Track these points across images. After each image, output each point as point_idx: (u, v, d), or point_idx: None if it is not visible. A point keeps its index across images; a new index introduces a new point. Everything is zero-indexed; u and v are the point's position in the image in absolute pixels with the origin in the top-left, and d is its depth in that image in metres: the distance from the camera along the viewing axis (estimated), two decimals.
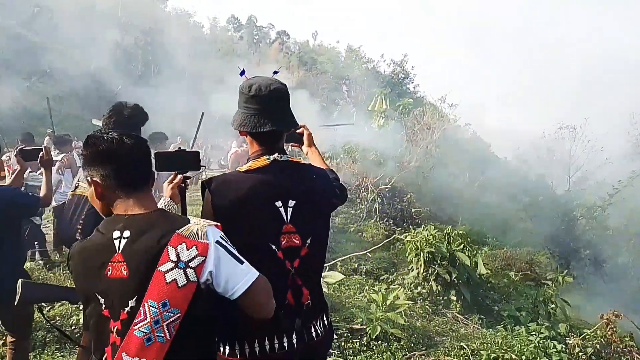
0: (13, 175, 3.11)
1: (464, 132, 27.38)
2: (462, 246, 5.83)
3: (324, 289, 4.79)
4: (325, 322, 1.73)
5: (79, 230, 2.43)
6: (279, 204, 1.62)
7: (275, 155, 1.66)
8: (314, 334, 1.64)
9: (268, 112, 1.64)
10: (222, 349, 1.59)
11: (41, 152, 2.93)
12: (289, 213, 1.62)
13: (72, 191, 2.61)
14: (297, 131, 2.14)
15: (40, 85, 21.33)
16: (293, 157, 1.72)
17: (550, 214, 10.72)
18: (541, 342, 4.27)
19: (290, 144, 2.22)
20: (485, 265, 7.17)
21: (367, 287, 5.74)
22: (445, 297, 5.52)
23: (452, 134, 15.40)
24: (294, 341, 1.58)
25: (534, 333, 4.83)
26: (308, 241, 1.63)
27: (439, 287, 5.52)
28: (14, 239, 2.73)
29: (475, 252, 6.02)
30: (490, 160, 26.42)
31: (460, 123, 21.12)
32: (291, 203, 1.64)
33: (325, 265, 6.05)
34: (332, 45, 44.37)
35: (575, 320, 5.42)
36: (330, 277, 5.13)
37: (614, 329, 4.28)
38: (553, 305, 5.17)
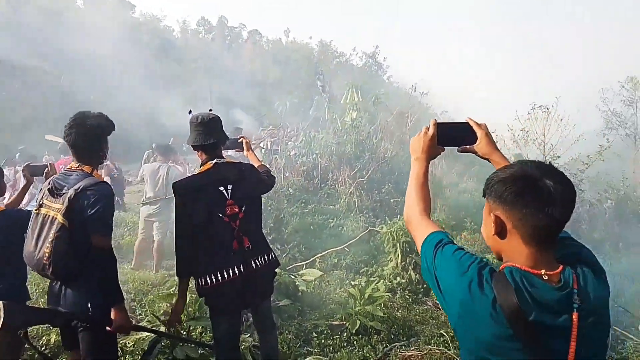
0: (17, 191, 3.24)
1: (441, 119, 27.62)
2: None
3: (302, 287, 4.81)
4: (266, 258, 2.83)
5: (47, 255, 2.18)
6: (222, 188, 2.69)
7: (216, 160, 2.75)
8: (253, 266, 2.71)
9: (209, 132, 2.73)
10: (199, 281, 2.66)
11: (47, 168, 3.06)
12: (229, 193, 2.70)
13: (35, 209, 2.34)
14: (238, 140, 3.29)
15: (11, 102, 20.84)
16: (228, 159, 2.84)
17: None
18: None
19: (235, 149, 3.36)
20: (465, 248, 7.24)
21: (347, 282, 5.77)
22: (425, 285, 5.58)
23: (425, 117, 15.49)
24: (241, 270, 2.65)
25: None
26: (243, 209, 2.72)
27: (417, 276, 5.57)
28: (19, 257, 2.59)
29: (454, 239, 6.09)
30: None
31: (437, 111, 21.30)
32: (229, 187, 2.70)
33: (303, 263, 6.06)
34: (305, 42, 44.26)
35: None
36: (309, 274, 5.14)
37: None
38: None
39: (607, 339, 1.21)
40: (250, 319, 3.76)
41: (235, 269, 2.64)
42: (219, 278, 2.61)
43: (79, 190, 2.24)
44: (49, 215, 2.25)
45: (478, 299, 1.15)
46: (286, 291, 4.78)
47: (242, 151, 3.31)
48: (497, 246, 1.26)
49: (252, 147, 3.43)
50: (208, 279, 2.61)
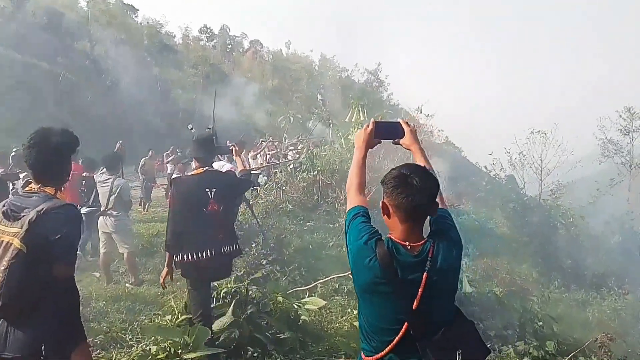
0: None
1: (437, 138, 27.66)
2: None
3: (305, 317, 4.57)
4: (231, 247, 3.60)
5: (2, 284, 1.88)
6: (207, 190, 3.47)
7: (207, 167, 3.60)
8: (222, 250, 3.50)
9: (200, 148, 3.63)
10: (179, 257, 3.44)
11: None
12: (212, 194, 3.47)
13: None
14: (229, 147, 4.47)
15: (7, 99, 20.48)
16: (214, 169, 3.79)
17: (527, 221, 10.75)
18: None
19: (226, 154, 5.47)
20: (467, 277, 7.04)
21: (349, 310, 5.52)
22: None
23: (426, 141, 15.39)
24: (212, 252, 3.43)
25: (522, 353, 4.71)
26: (221, 207, 3.51)
27: None
28: None
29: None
30: (464, 167, 26.71)
31: (433, 129, 21.29)
32: (213, 190, 3.48)
33: (305, 288, 5.81)
34: (305, 54, 44.36)
35: (561, 336, 5.31)
36: (312, 303, 4.87)
37: (609, 354, 4.17)
38: (540, 323, 5.05)
39: (452, 292, 1.76)
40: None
41: (208, 252, 3.44)
42: (194, 256, 3.43)
43: (42, 211, 1.95)
44: (3, 241, 1.95)
45: (363, 255, 1.69)
46: (287, 320, 4.52)
47: (237, 155, 4.21)
48: (387, 223, 1.74)
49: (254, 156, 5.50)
50: (186, 256, 3.44)
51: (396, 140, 2.11)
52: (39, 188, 2.09)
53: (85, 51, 30.48)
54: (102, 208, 5.87)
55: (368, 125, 2.08)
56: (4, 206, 2.06)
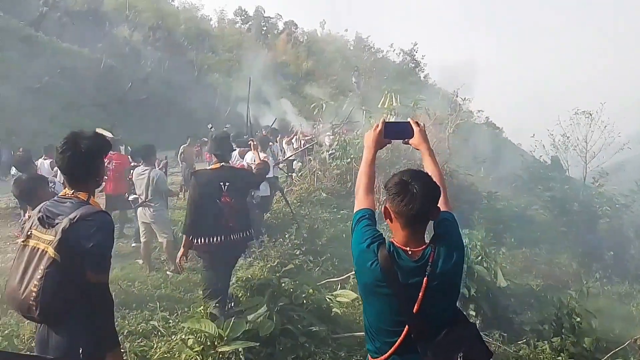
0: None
1: (477, 119, 26.83)
2: (480, 257, 5.60)
3: (336, 310, 4.64)
4: (243, 234, 4.09)
5: (34, 294, 1.93)
6: (221, 183, 4.00)
7: (223, 163, 4.18)
8: (232, 237, 4.00)
9: (218, 146, 4.23)
10: (194, 240, 4.03)
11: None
12: (226, 188, 4.00)
13: (22, 241, 2.10)
14: (248, 141, 5.91)
15: (51, 85, 21.30)
16: (232, 164, 5.15)
17: (570, 208, 10.37)
18: None
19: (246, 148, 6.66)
20: (503, 267, 6.91)
21: None
22: (465, 313, 5.30)
23: (464, 123, 14.97)
24: (222, 238, 3.96)
25: (559, 349, 4.62)
26: (233, 199, 4.02)
27: (458, 303, 5.30)
28: None
29: (493, 262, 5.77)
30: (505, 149, 25.88)
31: (472, 109, 20.64)
32: (227, 183, 4.01)
33: (337, 279, 5.85)
34: (340, 34, 43.74)
35: (600, 331, 5.15)
36: (344, 295, 4.92)
37: None
38: (578, 319, 4.91)
39: (453, 295, 1.84)
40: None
41: (218, 237, 3.97)
42: (207, 240, 3.98)
43: (74, 219, 1.98)
44: (38, 248, 1.99)
45: (365, 258, 1.76)
46: (319, 313, 4.59)
47: (255, 151, 5.09)
48: (390, 226, 1.80)
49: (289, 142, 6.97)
50: (201, 239, 4.00)
51: (406, 140, 2.15)
52: (73, 194, 2.12)
53: (124, 37, 31.15)
54: (141, 200, 6.09)
55: (378, 125, 2.13)
56: (40, 212, 2.10)
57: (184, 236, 4.14)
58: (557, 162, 19.28)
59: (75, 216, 1.99)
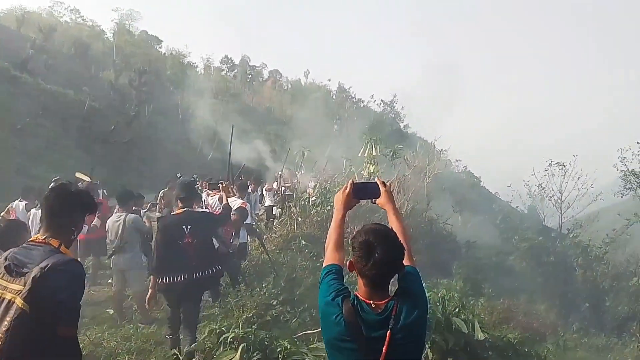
0: None
1: (455, 167, 27.43)
2: (457, 309, 5.58)
3: None
4: (206, 272, 4.30)
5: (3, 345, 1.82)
6: (184, 226, 4.26)
7: (186, 208, 4.40)
8: (194, 276, 4.20)
9: (182, 191, 4.53)
10: (158, 279, 4.26)
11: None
12: (188, 230, 4.25)
13: None
14: (218, 184, 6.46)
15: (33, 126, 21.21)
16: (194, 209, 4.64)
17: (546, 259, 10.52)
18: None
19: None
20: (482, 319, 6.87)
21: None
22: None
23: (442, 172, 15.30)
24: (185, 277, 4.16)
25: None
26: (195, 240, 4.25)
27: (435, 356, 5.23)
28: None
29: (471, 314, 5.75)
30: (482, 198, 26.36)
31: (450, 158, 21.10)
32: (189, 226, 4.26)
33: (315, 332, 5.73)
34: (323, 83, 45.01)
35: None
36: (321, 349, 4.82)
37: None
38: None
39: (418, 348, 1.81)
40: None
41: (182, 276, 4.20)
42: (172, 279, 4.20)
43: (45, 268, 1.87)
44: (4, 299, 1.87)
45: (330, 312, 1.77)
46: None
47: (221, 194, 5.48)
48: (358, 279, 1.82)
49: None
50: (166, 278, 4.22)
51: (373, 200, 2.23)
52: (44, 239, 2.04)
53: (110, 80, 31.49)
54: (115, 245, 5.96)
55: (346, 187, 2.20)
56: (6, 259, 1.99)
57: (152, 277, 4.42)
58: (534, 211, 19.68)
59: (47, 265, 1.89)
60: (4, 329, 1.82)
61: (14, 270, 1.93)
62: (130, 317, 6.22)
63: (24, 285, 1.85)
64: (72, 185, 2.16)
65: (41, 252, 1.98)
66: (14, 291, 1.87)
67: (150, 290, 4.37)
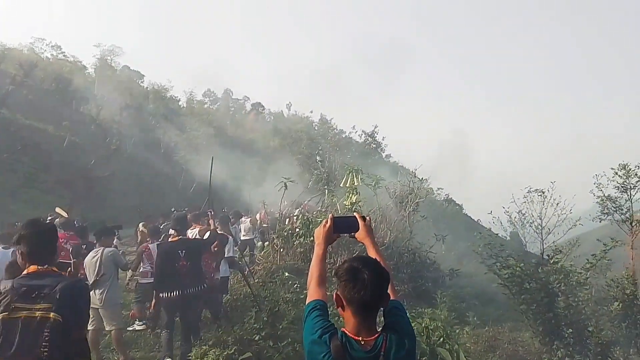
0: None
1: (437, 196, 27.70)
2: (441, 339, 5.55)
3: None
4: (198, 288, 5.39)
5: (45, 355, 2.20)
6: (179, 251, 5.39)
7: (181, 236, 5.64)
8: (187, 291, 5.28)
9: (177, 223, 5.81)
10: (159, 295, 5.47)
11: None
12: (183, 254, 5.37)
13: (5, 315, 2.22)
14: (207, 212, 7.50)
15: (11, 162, 20.89)
16: (187, 237, 5.91)
17: (528, 286, 10.55)
18: None
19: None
20: (468, 348, 6.84)
21: None
22: None
23: (424, 200, 15.42)
24: (179, 292, 5.25)
25: None
26: (189, 263, 5.37)
27: None
28: None
29: (456, 344, 5.73)
30: (465, 225, 26.59)
31: (432, 186, 21.31)
32: (183, 251, 5.40)
33: None
34: (305, 115, 45.56)
35: None
36: None
37: None
38: None
39: None
40: None
41: (177, 292, 5.22)
42: (168, 295, 5.26)
43: (65, 287, 2.32)
44: (34, 317, 2.23)
45: (317, 350, 1.72)
46: None
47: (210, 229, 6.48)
48: (341, 315, 1.77)
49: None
50: (165, 294, 5.28)
51: (352, 234, 2.24)
52: (46, 268, 2.42)
53: (91, 115, 31.37)
54: (91, 280, 5.77)
55: (327, 222, 2.20)
56: (15, 288, 2.31)
57: (154, 291, 5.64)
58: (516, 237, 19.87)
59: (65, 284, 2.34)
60: (44, 340, 2.19)
61: (32, 294, 2.29)
62: (108, 357, 6.01)
63: (51, 303, 2.25)
64: (41, 219, 2.61)
65: (53, 278, 2.39)
66: (43, 309, 2.25)
67: (153, 301, 5.82)
